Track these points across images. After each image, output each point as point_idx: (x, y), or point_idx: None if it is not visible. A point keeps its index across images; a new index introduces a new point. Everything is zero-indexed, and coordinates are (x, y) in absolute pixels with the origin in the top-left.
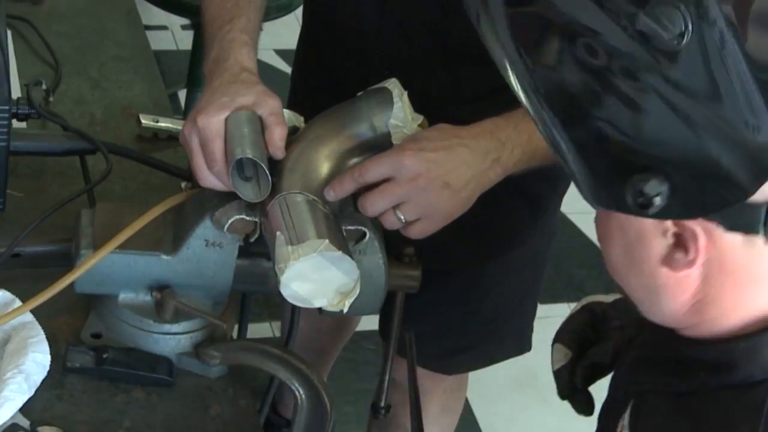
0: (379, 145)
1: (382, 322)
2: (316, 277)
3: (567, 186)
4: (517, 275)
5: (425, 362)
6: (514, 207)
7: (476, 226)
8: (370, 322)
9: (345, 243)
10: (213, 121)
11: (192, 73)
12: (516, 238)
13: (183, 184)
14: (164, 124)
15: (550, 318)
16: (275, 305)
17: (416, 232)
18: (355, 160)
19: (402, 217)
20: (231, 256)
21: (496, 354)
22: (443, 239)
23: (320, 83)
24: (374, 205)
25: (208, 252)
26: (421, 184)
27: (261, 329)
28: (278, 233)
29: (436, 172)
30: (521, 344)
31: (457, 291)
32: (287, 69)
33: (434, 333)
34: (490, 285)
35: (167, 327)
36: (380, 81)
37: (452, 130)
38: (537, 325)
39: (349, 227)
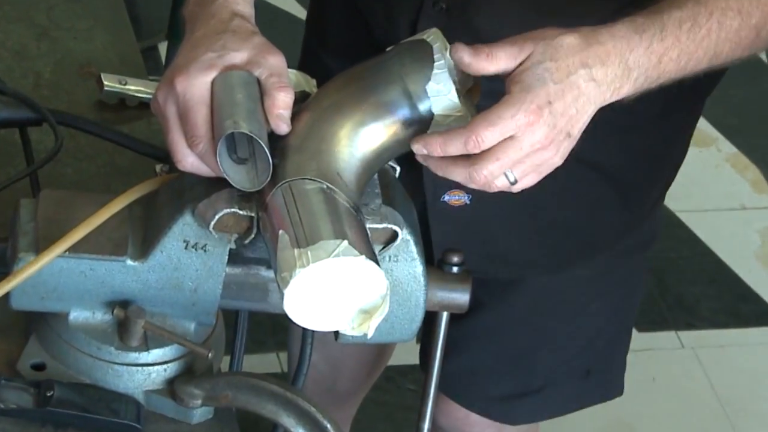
0: (416, 116)
1: (424, 353)
2: (332, 291)
3: (673, 173)
4: (604, 290)
5: (481, 407)
6: (599, 198)
7: (548, 222)
8: (408, 354)
9: (370, 245)
10: (196, 85)
11: (174, 20)
12: (602, 239)
13: (157, 167)
14: (134, 87)
15: (649, 351)
16: (283, 329)
17: (518, 188)
18: (383, 138)
19: (513, 178)
20: (219, 262)
21: (576, 399)
22: (502, 238)
23: (341, 34)
24: (492, 173)
25: (189, 257)
26: (545, 142)
27: (263, 362)
28: (281, 232)
29: (560, 125)
30: (610, 386)
31: (522, 310)
32: (301, 13)
33: (493, 368)
34: (568, 303)
35: (133, 356)
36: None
37: (581, 52)
38: (632, 359)
39: (376, 225)
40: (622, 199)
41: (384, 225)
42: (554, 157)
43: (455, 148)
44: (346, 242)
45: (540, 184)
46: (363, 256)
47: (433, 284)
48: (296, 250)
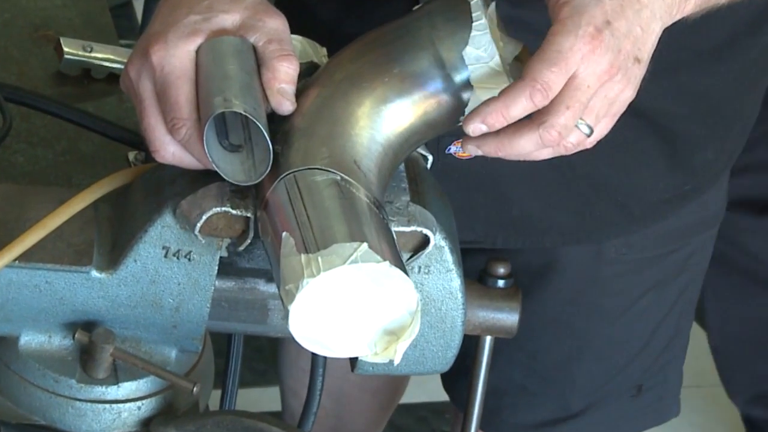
0: (451, 90)
1: (452, 381)
2: (349, 307)
3: (739, 136)
4: (657, 279)
5: None
6: (641, 150)
7: (575, 176)
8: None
9: (396, 250)
10: (176, 55)
11: None
12: (646, 203)
13: (130, 156)
14: (102, 54)
15: None
16: (300, 369)
17: (594, 141)
18: (410, 117)
19: (588, 127)
20: (207, 274)
21: (626, 423)
22: (520, 197)
23: None
24: (566, 127)
25: (170, 267)
26: (612, 71)
27: (263, 398)
28: (285, 234)
29: (626, 48)
30: (665, 405)
31: (555, 307)
32: None
33: (522, 387)
34: (614, 295)
35: (100, 391)
36: None
37: None
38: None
39: (402, 228)
40: (669, 154)
41: (412, 228)
42: (626, 89)
43: (520, 106)
44: (365, 245)
45: None
46: (387, 263)
47: (474, 302)
48: (304, 256)
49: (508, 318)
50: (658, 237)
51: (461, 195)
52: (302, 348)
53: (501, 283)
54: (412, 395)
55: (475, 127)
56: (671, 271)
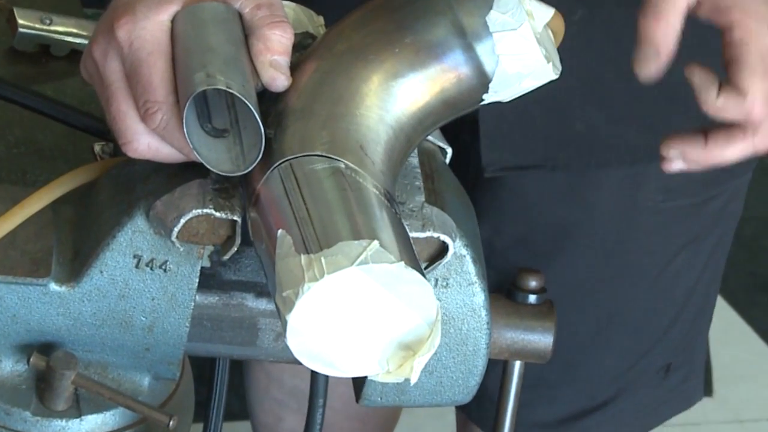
0: (472, 62)
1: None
2: (357, 316)
3: None
4: (696, 232)
5: None
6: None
7: (657, 98)
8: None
9: (411, 249)
10: (147, 27)
11: None
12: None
13: (96, 147)
14: (63, 28)
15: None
16: (273, 399)
17: None
18: (425, 95)
19: None
20: (186, 287)
21: (654, 410)
22: (581, 107)
23: None
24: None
25: (142, 279)
26: None
27: None
28: (281, 232)
29: None
30: (692, 386)
31: (583, 270)
32: None
33: (542, 377)
34: (651, 252)
35: (59, 425)
36: None
37: None
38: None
39: (416, 234)
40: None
41: (428, 233)
42: None
43: (738, 150)
44: (376, 243)
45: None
46: (402, 263)
47: (501, 320)
48: (304, 257)
49: (541, 340)
50: (699, 181)
51: (517, 112)
52: (273, 375)
53: (533, 298)
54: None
55: (675, 165)
56: (707, 222)
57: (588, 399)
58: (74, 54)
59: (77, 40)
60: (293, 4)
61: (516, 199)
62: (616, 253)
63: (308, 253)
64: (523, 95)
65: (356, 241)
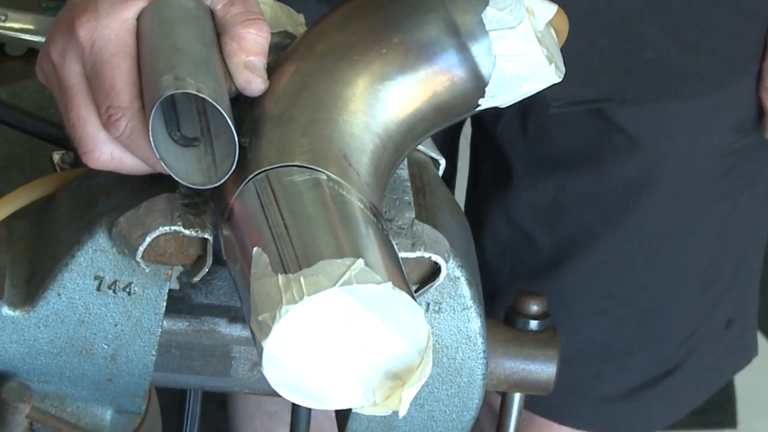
0: (467, 63)
1: None
2: (340, 343)
3: None
4: (754, 171)
5: (595, 419)
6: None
7: (732, 20)
8: None
9: (400, 268)
10: (110, 26)
11: None
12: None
13: (55, 156)
14: (18, 24)
15: None
16: (265, 414)
17: None
18: (415, 100)
19: None
20: (152, 312)
21: (717, 369)
22: (663, 50)
23: None
24: None
25: (104, 303)
26: None
27: None
28: (257, 250)
29: None
30: (746, 342)
31: (651, 230)
32: None
33: (606, 348)
34: (719, 196)
35: None
36: None
37: None
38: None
39: (406, 254)
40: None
41: (418, 253)
42: None
43: None
44: (361, 262)
45: None
46: (389, 284)
47: (499, 349)
48: (282, 278)
49: (543, 370)
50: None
51: (581, 41)
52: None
53: (534, 324)
54: None
55: None
56: (766, 160)
57: (658, 365)
58: (31, 53)
59: (35, 38)
60: (270, 1)
61: (582, 150)
62: (686, 203)
63: (286, 272)
64: (591, 24)
65: (339, 260)
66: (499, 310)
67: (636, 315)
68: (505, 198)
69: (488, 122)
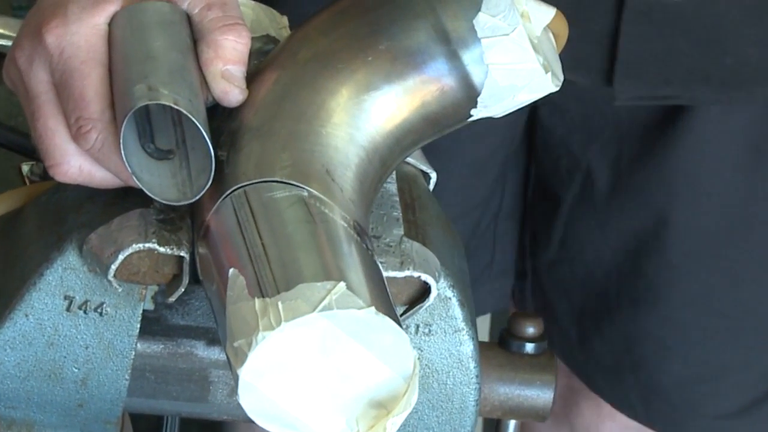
0: (457, 72)
1: None
2: (321, 370)
3: None
4: None
5: None
6: None
7: None
8: None
9: (386, 293)
10: (80, 32)
11: None
12: None
13: (24, 168)
14: None
15: None
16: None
17: None
18: (403, 111)
19: None
20: (125, 334)
21: None
22: (743, 55)
23: None
24: None
25: (74, 324)
26: None
27: None
28: (233, 272)
29: None
30: None
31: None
32: None
33: (723, 367)
34: None
35: None
36: None
37: None
38: None
39: (394, 273)
40: None
41: (407, 272)
42: None
43: None
44: (342, 285)
45: None
46: (372, 309)
47: (493, 373)
48: (259, 302)
49: (540, 396)
50: None
51: (661, 41)
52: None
53: (530, 347)
54: None
55: None
56: None
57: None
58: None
59: (3, 42)
60: (252, 3)
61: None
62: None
63: (264, 296)
64: (672, 26)
65: (319, 283)
66: (605, 339)
67: (752, 333)
68: (606, 220)
69: (574, 144)
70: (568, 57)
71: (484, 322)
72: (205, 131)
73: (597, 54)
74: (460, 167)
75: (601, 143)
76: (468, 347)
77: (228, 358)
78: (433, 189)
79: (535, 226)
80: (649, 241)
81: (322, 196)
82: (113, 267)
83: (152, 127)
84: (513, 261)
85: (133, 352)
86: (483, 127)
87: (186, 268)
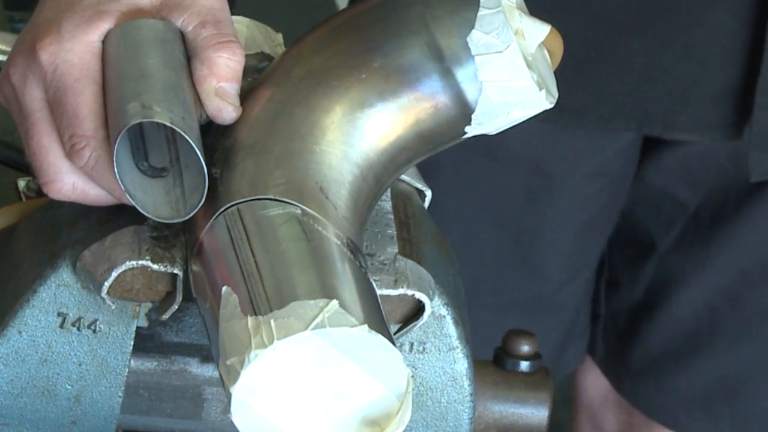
0: (451, 90)
1: None
2: (314, 388)
3: None
4: None
5: None
6: None
7: None
8: None
9: (380, 311)
10: (74, 50)
11: None
12: None
13: (20, 184)
14: None
15: None
16: None
17: None
18: (397, 129)
19: None
20: (119, 351)
21: None
22: None
23: None
24: None
25: (68, 341)
26: None
27: None
28: (226, 290)
29: None
30: None
31: None
32: None
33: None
34: None
35: None
36: None
37: None
38: None
39: (388, 291)
40: None
41: (401, 290)
42: None
43: None
44: (335, 303)
45: None
46: (365, 327)
47: (487, 391)
48: (251, 320)
49: (534, 414)
50: None
51: None
52: None
53: (525, 365)
54: None
55: None
56: None
57: None
58: None
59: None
60: (246, 19)
61: None
62: None
63: (256, 314)
64: None
65: (312, 301)
66: (693, 375)
67: None
68: (704, 260)
69: (679, 193)
70: (690, 117)
71: None
72: (198, 149)
73: (723, 114)
74: (566, 233)
75: (706, 188)
76: (462, 365)
77: (221, 375)
78: (539, 258)
79: (615, 274)
80: (755, 273)
81: (315, 214)
82: (107, 284)
83: (146, 144)
84: (589, 313)
85: (127, 369)
86: (585, 196)
87: (179, 285)
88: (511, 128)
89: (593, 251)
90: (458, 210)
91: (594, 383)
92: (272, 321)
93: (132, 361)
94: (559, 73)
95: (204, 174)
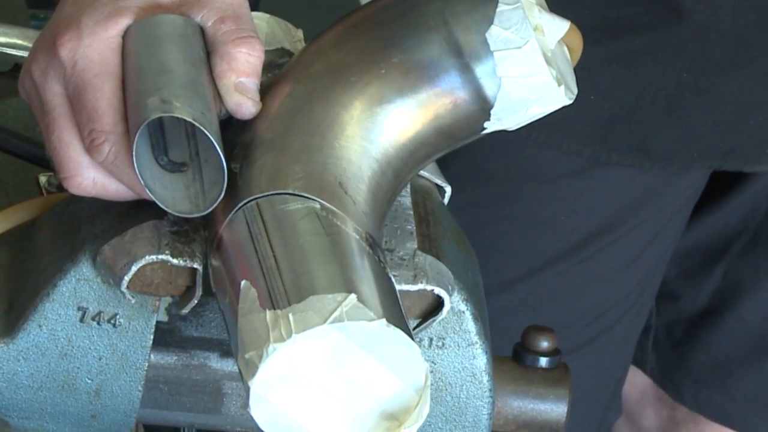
0: (470, 85)
1: None
2: (332, 382)
3: None
4: None
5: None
6: None
7: None
8: None
9: (398, 305)
10: (93, 45)
11: None
12: None
13: (41, 179)
14: (6, 38)
15: None
16: None
17: None
18: (416, 124)
19: None
20: (138, 345)
21: None
22: None
23: None
24: None
25: (88, 335)
26: None
27: None
28: (245, 283)
29: None
30: None
31: None
32: None
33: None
34: None
35: None
36: None
37: None
38: None
39: (408, 287)
40: None
41: (420, 286)
42: None
43: None
44: (353, 298)
45: None
46: (383, 321)
47: (506, 387)
48: (270, 314)
49: (554, 410)
50: None
51: None
52: None
53: (544, 361)
54: None
55: None
56: None
57: None
58: (18, 69)
59: (22, 53)
60: (266, 15)
61: None
62: None
63: (275, 308)
64: None
65: (330, 295)
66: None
67: None
68: None
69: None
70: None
71: None
72: (217, 144)
73: None
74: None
75: None
76: (481, 361)
77: (239, 369)
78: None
79: (671, 287)
80: None
81: (334, 209)
82: (126, 278)
83: (165, 139)
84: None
85: (147, 364)
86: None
87: (199, 280)
88: (593, 171)
89: (655, 283)
90: (523, 250)
91: (630, 379)
92: (290, 315)
93: (152, 356)
94: (646, 115)
95: (223, 169)
